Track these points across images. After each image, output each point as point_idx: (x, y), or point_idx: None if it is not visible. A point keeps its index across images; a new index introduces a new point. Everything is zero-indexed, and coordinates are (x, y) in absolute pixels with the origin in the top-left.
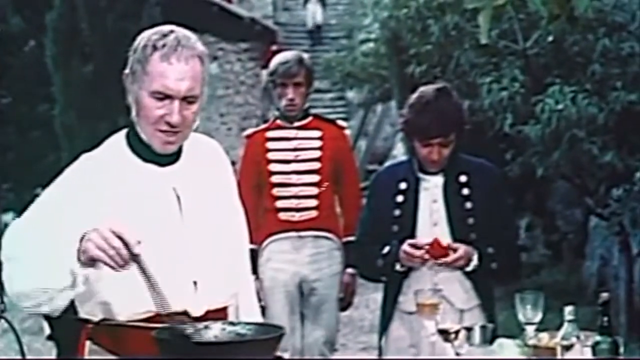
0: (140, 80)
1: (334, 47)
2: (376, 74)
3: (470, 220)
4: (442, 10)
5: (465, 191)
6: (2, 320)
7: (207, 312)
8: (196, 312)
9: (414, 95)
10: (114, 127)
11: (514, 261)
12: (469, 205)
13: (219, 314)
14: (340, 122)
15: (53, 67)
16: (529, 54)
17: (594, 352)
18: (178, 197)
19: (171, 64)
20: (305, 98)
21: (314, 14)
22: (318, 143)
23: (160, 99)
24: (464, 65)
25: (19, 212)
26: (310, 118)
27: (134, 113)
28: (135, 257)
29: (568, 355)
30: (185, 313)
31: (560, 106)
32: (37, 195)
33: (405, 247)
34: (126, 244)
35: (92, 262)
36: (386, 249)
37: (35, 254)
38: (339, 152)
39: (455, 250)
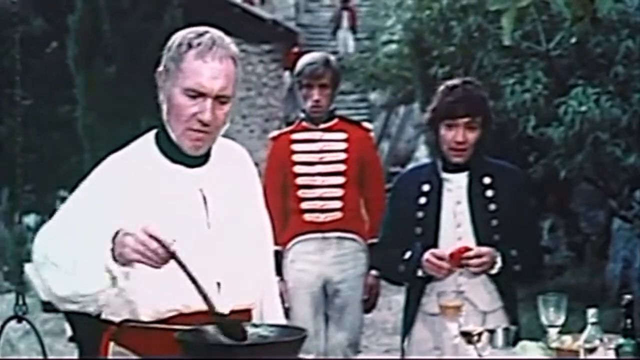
0: (173, 78)
1: (357, 49)
2: (399, 76)
3: (494, 222)
4: (465, 12)
5: (489, 193)
6: (24, 322)
7: (230, 313)
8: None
9: (441, 86)
10: (136, 128)
11: (537, 263)
12: (492, 207)
13: (242, 316)
14: (366, 124)
15: (75, 68)
16: (552, 56)
17: (618, 355)
18: (204, 199)
19: (206, 62)
20: (331, 100)
21: (345, 41)
22: (343, 145)
23: (193, 97)
24: (487, 66)
25: (41, 214)
26: (335, 120)
27: (164, 111)
28: (172, 255)
29: (591, 357)
30: (207, 312)
31: (583, 108)
32: (59, 197)
33: (429, 257)
34: (162, 244)
35: (130, 263)
36: (408, 254)
37: (70, 257)
38: (364, 154)
39: (480, 256)
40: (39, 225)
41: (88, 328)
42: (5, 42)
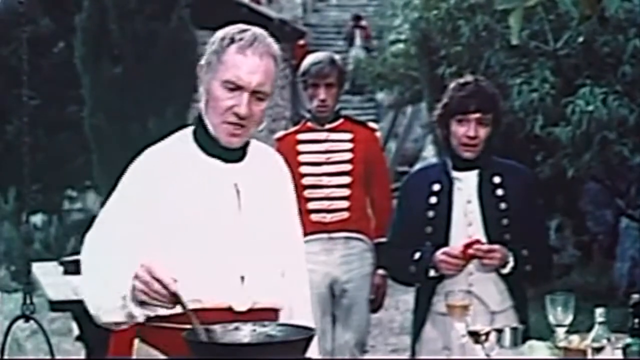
0: (213, 70)
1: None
2: (406, 75)
3: (505, 221)
4: (472, 11)
5: (500, 192)
6: (32, 322)
7: (252, 310)
8: (239, 307)
9: (452, 83)
10: (143, 128)
11: (547, 263)
12: (503, 206)
13: (266, 314)
14: (372, 124)
15: (82, 68)
16: (559, 55)
17: (625, 354)
18: (238, 193)
19: (246, 55)
20: (336, 99)
21: (358, 59)
22: (349, 145)
23: (231, 90)
24: (495, 66)
25: (48, 213)
26: (341, 120)
27: (203, 104)
28: (174, 295)
29: (599, 357)
30: (229, 308)
31: (590, 107)
32: (66, 197)
33: (442, 257)
34: (164, 285)
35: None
36: (417, 255)
37: (109, 263)
38: (370, 154)
39: (492, 250)
40: (45, 224)
41: (95, 328)
42: (12, 42)
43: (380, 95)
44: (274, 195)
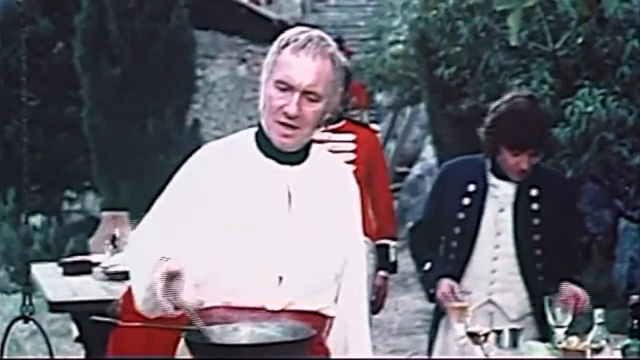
0: (269, 71)
1: (363, 49)
2: (405, 76)
3: (537, 237)
4: (471, 12)
5: (535, 207)
6: (31, 323)
7: (288, 311)
8: (274, 306)
9: (504, 106)
10: (142, 129)
11: (574, 277)
12: (537, 221)
13: (306, 317)
14: (373, 126)
15: (81, 69)
16: (558, 56)
17: (624, 355)
18: (290, 195)
19: (299, 57)
20: (342, 101)
21: None
22: (352, 146)
23: (283, 90)
24: (493, 67)
25: (47, 214)
26: (344, 122)
27: (261, 106)
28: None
29: (598, 358)
30: (263, 308)
31: (589, 109)
32: (65, 198)
33: (444, 289)
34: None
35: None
36: (427, 266)
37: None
38: (371, 156)
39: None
40: (45, 225)
41: (94, 329)
42: (11, 42)
43: (379, 97)
44: (332, 202)
